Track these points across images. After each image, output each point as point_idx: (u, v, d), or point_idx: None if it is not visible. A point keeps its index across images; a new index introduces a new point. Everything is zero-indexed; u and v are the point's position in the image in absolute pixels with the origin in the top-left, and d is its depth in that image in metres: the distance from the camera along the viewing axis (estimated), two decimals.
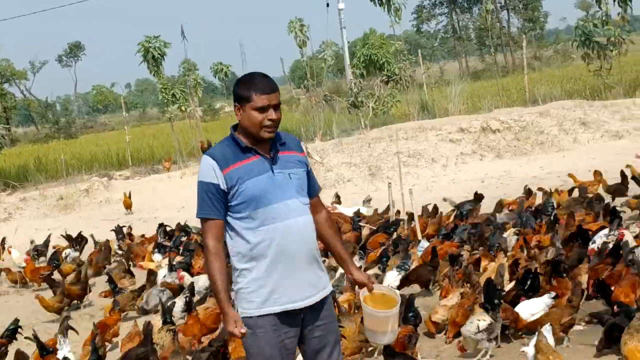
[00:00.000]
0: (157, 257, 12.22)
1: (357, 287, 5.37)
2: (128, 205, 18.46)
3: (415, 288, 9.04)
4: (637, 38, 38.48)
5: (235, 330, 4.40)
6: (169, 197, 19.23)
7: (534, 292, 7.51)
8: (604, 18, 25.22)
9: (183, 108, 25.21)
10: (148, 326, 7.16)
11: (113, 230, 14.93)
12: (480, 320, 6.81)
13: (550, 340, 6.17)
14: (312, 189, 4.67)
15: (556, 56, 48.58)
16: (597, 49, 25.26)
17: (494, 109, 24.27)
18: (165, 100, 25.00)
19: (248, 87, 4.43)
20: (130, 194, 18.59)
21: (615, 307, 6.84)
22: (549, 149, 19.31)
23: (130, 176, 22.65)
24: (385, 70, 29.60)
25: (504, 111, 22.62)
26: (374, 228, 11.87)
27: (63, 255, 13.52)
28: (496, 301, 6.91)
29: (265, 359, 4.43)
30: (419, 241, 10.49)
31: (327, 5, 31.41)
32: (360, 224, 12.24)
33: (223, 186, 4.40)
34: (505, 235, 10.02)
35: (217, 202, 4.43)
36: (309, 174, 4.66)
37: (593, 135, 19.77)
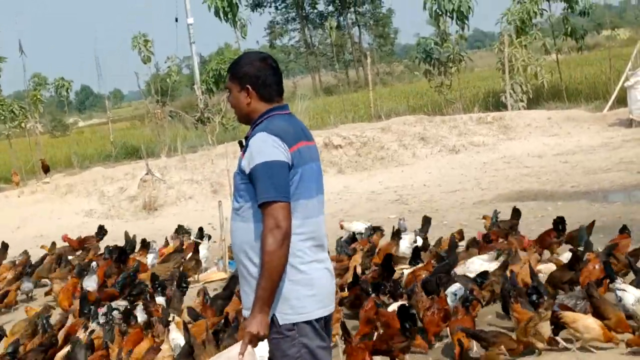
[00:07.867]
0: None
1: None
2: None
3: None
4: (475, 55, 40.15)
5: None
6: (3, 217, 18.43)
7: None
8: (442, 36, 26.13)
9: (22, 125, 24.37)
10: None
11: None
12: None
13: None
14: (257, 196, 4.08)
15: (406, 72, 49.83)
16: (438, 66, 26.16)
17: (340, 124, 24.64)
18: (2, 117, 24.06)
19: None
20: None
21: None
22: (388, 164, 19.70)
23: None
24: None
25: (348, 127, 22.99)
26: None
27: None
28: None
29: None
30: None
31: (176, 20, 31.02)
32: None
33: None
34: None
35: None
36: (252, 178, 4.05)
37: (431, 150, 20.31)
